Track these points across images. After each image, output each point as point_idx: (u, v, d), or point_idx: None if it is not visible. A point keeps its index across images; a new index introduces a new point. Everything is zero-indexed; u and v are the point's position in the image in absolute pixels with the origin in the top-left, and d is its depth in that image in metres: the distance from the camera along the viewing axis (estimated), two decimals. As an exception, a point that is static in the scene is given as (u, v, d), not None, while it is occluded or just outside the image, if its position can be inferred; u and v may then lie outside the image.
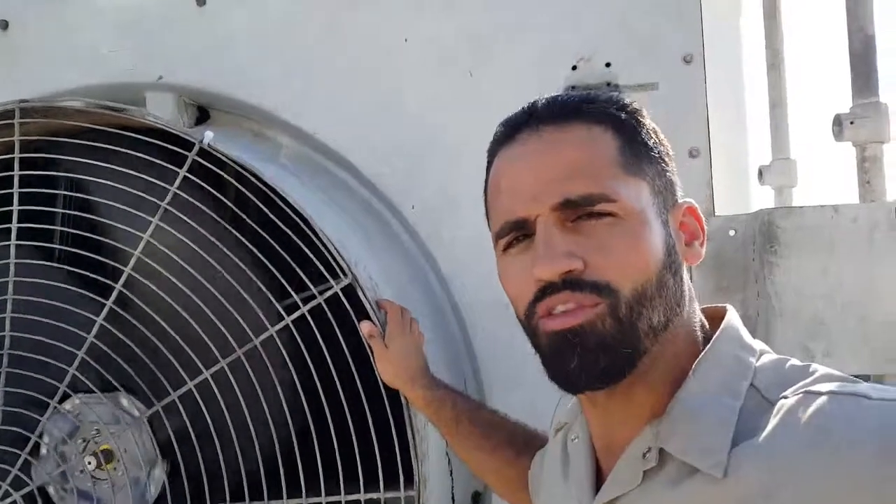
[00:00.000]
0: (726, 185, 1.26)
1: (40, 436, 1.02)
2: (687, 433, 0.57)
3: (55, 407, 1.01)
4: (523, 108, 0.65)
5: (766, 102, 1.26)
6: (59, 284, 1.02)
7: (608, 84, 1.13)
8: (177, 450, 0.98)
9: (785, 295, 0.95)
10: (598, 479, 0.64)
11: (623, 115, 0.63)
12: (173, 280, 1.00)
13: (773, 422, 0.55)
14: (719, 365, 0.60)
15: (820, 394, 0.55)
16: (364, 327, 0.95)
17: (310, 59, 1.17)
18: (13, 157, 1.03)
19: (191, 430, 0.98)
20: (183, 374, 0.98)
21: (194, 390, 0.98)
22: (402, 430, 0.95)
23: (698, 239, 0.65)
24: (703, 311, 0.65)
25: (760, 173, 1.17)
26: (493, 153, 0.66)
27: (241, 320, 0.98)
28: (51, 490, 1.04)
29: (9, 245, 1.02)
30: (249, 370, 0.97)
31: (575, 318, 0.58)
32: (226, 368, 0.98)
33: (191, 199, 0.99)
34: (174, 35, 1.16)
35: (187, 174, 1.00)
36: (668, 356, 0.61)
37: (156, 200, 1.00)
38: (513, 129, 0.64)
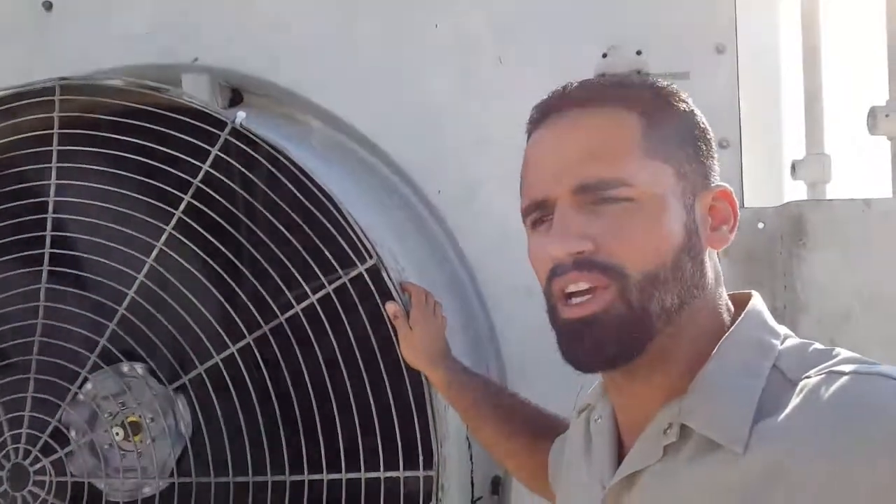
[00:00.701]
0: (760, 178, 1.25)
1: (78, 392, 1.04)
2: (709, 409, 0.58)
3: (84, 375, 1.04)
4: (554, 91, 0.66)
5: (801, 95, 1.23)
6: (94, 258, 1.05)
7: (638, 72, 1.12)
8: (202, 423, 1.01)
9: (812, 288, 0.94)
10: (621, 457, 0.65)
11: (654, 99, 0.64)
12: (204, 257, 1.02)
13: (794, 400, 0.56)
14: (742, 346, 0.61)
15: (843, 373, 0.55)
16: (389, 308, 0.96)
17: (341, 44, 1.18)
18: (53, 133, 1.06)
19: (216, 404, 1.00)
20: (211, 349, 1.00)
21: (220, 364, 1.00)
22: (422, 411, 0.97)
23: (728, 224, 0.65)
24: (730, 297, 0.65)
25: (794, 167, 1.15)
26: (528, 134, 0.68)
27: (268, 298, 1.00)
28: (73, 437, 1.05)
29: (45, 218, 1.05)
30: (275, 347, 0.99)
31: (586, 308, 0.60)
32: (251, 344, 1.00)
33: (222, 178, 1.02)
34: (210, 17, 1.18)
35: (219, 153, 1.02)
36: (689, 337, 0.62)
37: (189, 178, 1.02)
38: (543, 112, 0.66)
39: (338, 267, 0.99)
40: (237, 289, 1.01)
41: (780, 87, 1.52)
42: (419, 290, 0.99)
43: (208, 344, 1.00)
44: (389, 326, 0.96)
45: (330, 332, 0.99)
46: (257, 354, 0.99)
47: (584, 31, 1.11)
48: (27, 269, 1.06)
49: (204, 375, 1.01)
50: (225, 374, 1.00)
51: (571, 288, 0.60)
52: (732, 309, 0.65)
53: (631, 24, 1.10)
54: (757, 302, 0.65)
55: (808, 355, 0.60)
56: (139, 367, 1.05)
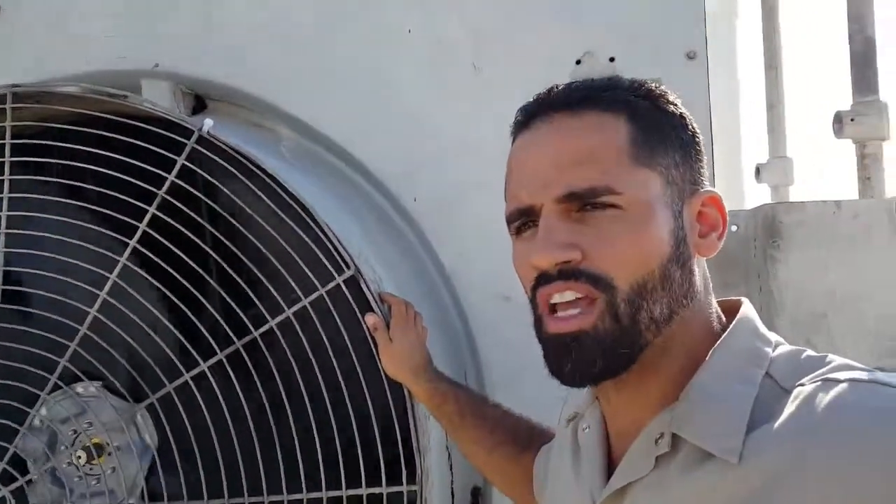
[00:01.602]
0: (721, 182, 1.27)
1: (35, 415, 0.99)
2: (701, 419, 0.57)
3: (44, 398, 0.98)
4: (539, 94, 0.65)
5: (762, 101, 1.27)
6: (54, 276, 0.99)
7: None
8: (173, 444, 0.96)
9: (787, 289, 0.96)
10: (611, 467, 0.64)
11: (641, 102, 0.62)
12: (170, 271, 0.98)
13: (789, 408, 0.55)
14: (734, 354, 0.60)
15: (838, 381, 0.54)
16: (369, 319, 0.94)
17: (310, 49, 1.15)
18: (4, 144, 1.00)
19: (187, 423, 0.96)
20: (180, 366, 0.96)
21: (190, 382, 0.96)
22: (404, 424, 0.95)
23: (717, 230, 0.64)
24: (720, 303, 0.65)
25: (758, 171, 1.18)
26: (512, 138, 0.66)
27: (241, 314, 0.97)
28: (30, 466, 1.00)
29: None
30: (249, 363, 0.96)
31: (573, 323, 0.58)
32: (224, 361, 0.96)
33: (189, 188, 0.98)
34: (171, 21, 1.14)
35: (185, 162, 0.98)
36: (680, 346, 0.61)
37: (154, 189, 0.98)
38: (528, 116, 0.64)
39: (314, 279, 0.96)
40: (206, 304, 0.97)
41: (739, 93, 1.56)
42: (399, 301, 0.97)
43: (177, 361, 0.96)
44: (369, 338, 0.94)
45: (307, 346, 0.96)
46: (230, 371, 0.95)
47: (559, 37, 1.11)
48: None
49: (173, 394, 0.97)
50: (196, 391, 0.96)
51: (556, 298, 0.59)
52: (723, 317, 0.64)
53: (604, 31, 1.11)
54: (748, 309, 0.64)
55: (801, 363, 0.59)
56: (97, 386, 1.00)
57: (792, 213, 0.97)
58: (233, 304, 0.97)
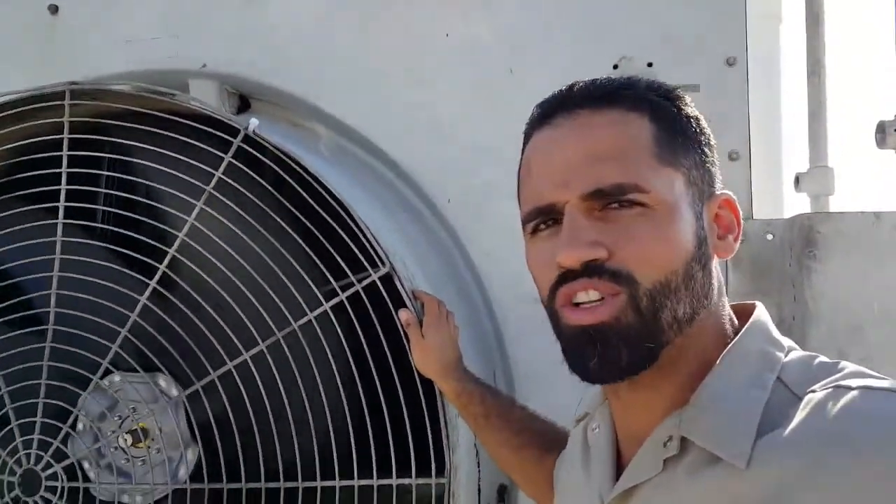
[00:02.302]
0: (761, 189, 1.26)
1: (88, 396, 1.03)
2: (710, 422, 0.56)
3: (96, 382, 1.03)
4: (560, 90, 0.64)
5: (804, 109, 1.25)
6: (104, 263, 1.04)
7: (648, 85, 1.14)
8: (215, 429, 1.00)
9: (822, 299, 0.95)
10: (620, 468, 0.64)
11: (662, 102, 0.62)
12: (216, 263, 1.02)
13: (800, 415, 0.54)
14: (746, 358, 0.59)
15: (850, 388, 0.53)
16: (402, 315, 0.96)
17: (349, 51, 1.18)
18: (62, 138, 1.05)
19: (229, 411, 1.00)
20: (224, 355, 1.00)
21: (234, 371, 1.00)
22: (435, 419, 0.97)
23: (733, 233, 0.64)
24: (733, 307, 0.65)
25: (797, 180, 1.17)
26: (527, 135, 0.65)
27: (280, 305, 1.00)
28: (86, 465, 1.06)
29: (56, 223, 1.04)
30: (288, 354, 0.99)
31: (596, 314, 0.57)
32: (265, 351, 1.00)
33: (235, 185, 1.01)
34: (218, 23, 1.18)
35: (232, 160, 1.02)
36: (695, 348, 0.60)
37: (201, 185, 1.01)
38: (548, 112, 0.63)
39: (350, 274, 0.99)
40: (250, 296, 1.01)
41: (781, 101, 1.54)
42: (432, 299, 0.99)
43: (221, 352, 1.00)
44: (402, 334, 0.97)
45: (343, 339, 0.99)
46: (270, 361, 0.99)
47: (595, 42, 1.12)
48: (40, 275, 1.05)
49: (217, 382, 1.01)
50: (238, 380, 1.00)
51: (581, 297, 0.58)
52: (736, 320, 0.64)
53: (642, 36, 1.11)
54: (761, 313, 0.64)
55: (813, 368, 0.58)
56: (150, 375, 1.05)
57: (829, 223, 0.96)
58: (274, 297, 1.00)
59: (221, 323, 1.00)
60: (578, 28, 1.13)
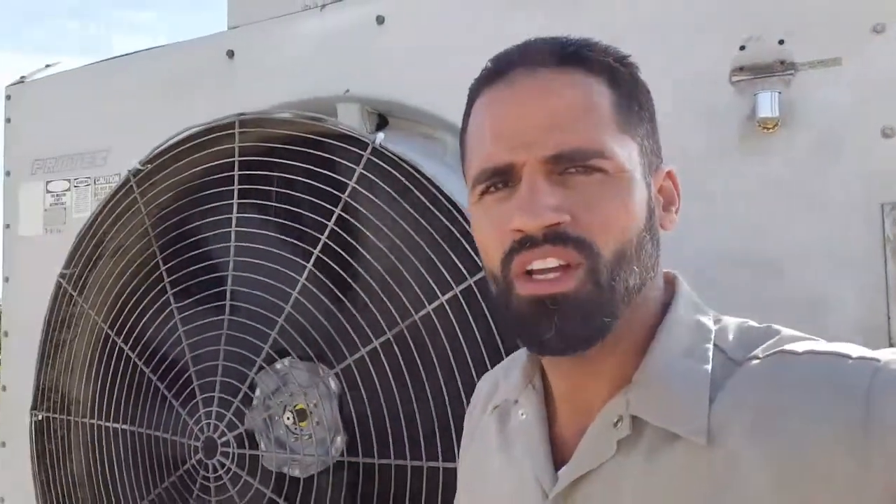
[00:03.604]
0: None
1: (251, 388, 1.23)
2: (662, 399, 0.55)
3: (262, 366, 1.22)
4: (517, 46, 0.61)
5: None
6: (269, 264, 1.23)
7: (781, 63, 1.08)
8: (352, 410, 1.14)
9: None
10: (555, 453, 0.61)
11: (620, 68, 0.59)
12: (353, 263, 1.16)
13: (750, 382, 0.53)
14: (682, 329, 0.58)
15: (797, 353, 0.53)
16: None
17: (474, 66, 1.26)
18: (233, 161, 1.27)
19: (363, 392, 1.13)
20: (357, 341, 1.14)
21: (366, 357, 1.13)
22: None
23: (674, 205, 0.63)
24: None
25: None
26: (476, 91, 0.62)
27: (404, 299, 1.11)
28: (257, 436, 1.25)
29: (229, 231, 1.26)
30: (410, 342, 1.10)
31: (555, 286, 0.54)
32: (391, 339, 1.11)
33: (366, 192, 1.15)
34: (358, 52, 1.33)
35: (363, 171, 1.16)
36: (638, 321, 0.58)
37: (338, 194, 1.17)
38: (504, 68, 0.59)
39: (466, 273, 1.07)
40: (380, 291, 1.13)
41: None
42: None
43: (356, 338, 1.13)
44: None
45: (458, 330, 1.07)
46: (395, 347, 1.10)
47: (719, 23, 1.07)
48: (216, 274, 1.27)
49: (353, 366, 1.14)
50: (370, 365, 1.13)
51: (538, 265, 0.54)
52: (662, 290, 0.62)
53: (772, 13, 1.05)
54: (683, 281, 0.62)
55: (748, 333, 0.58)
56: (310, 364, 1.21)
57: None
58: (398, 290, 1.12)
59: (356, 315, 1.13)
60: (701, 10, 1.09)
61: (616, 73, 0.59)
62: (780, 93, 1.04)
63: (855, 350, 0.52)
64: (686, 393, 0.55)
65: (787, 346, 0.54)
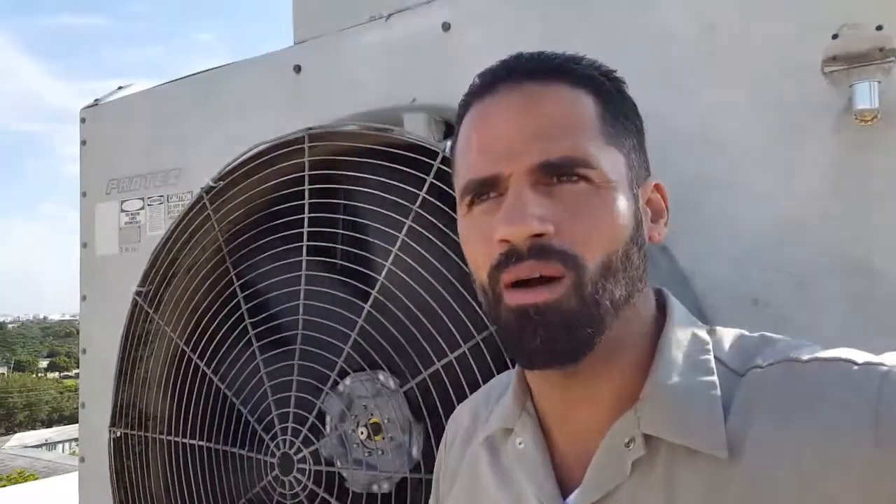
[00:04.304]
0: None
1: (322, 408, 1.22)
2: (676, 415, 0.55)
3: (336, 380, 1.21)
4: (503, 61, 0.62)
5: None
6: (334, 276, 1.22)
7: (880, 50, 1.01)
8: (426, 417, 1.11)
9: None
10: (559, 480, 0.60)
11: (606, 82, 0.61)
12: (426, 275, 1.14)
13: (761, 393, 0.53)
14: (682, 343, 0.58)
15: (802, 361, 0.54)
16: None
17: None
18: (303, 175, 1.26)
19: (437, 402, 1.10)
20: (432, 355, 1.11)
21: (441, 371, 1.10)
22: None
23: (663, 218, 0.63)
24: None
25: None
26: (466, 105, 0.63)
27: (479, 311, 1.08)
28: (338, 463, 1.22)
29: (301, 246, 1.25)
30: (471, 360, 1.07)
31: (538, 295, 0.54)
32: (466, 352, 1.08)
33: (437, 202, 1.13)
34: (424, 60, 1.31)
35: (433, 181, 1.13)
36: (633, 335, 0.59)
37: (408, 204, 1.15)
38: (490, 81, 0.61)
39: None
40: (452, 303, 1.10)
41: None
42: None
43: (430, 351, 1.11)
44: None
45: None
46: (471, 360, 1.07)
47: (809, 10, 1.01)
48: (288, 289, 1.26)
49: (428, 380, 1.12)
50: (444, 377, 1.10)
51: (525, 276, 0.55)
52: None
53: (868, -2, 0.98)
54: (670, 294, 0.63)
55: (743, 343, 0.59)
56: (373, 372, 1.20)
57: None
58: (474, 304, 1.09)
59: (430, 328, 1.10)
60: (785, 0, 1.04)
61: (602, 86, 0.60)
62: (879, 82, 0.97)
63: (859, 355, 0.53)
64: (700, 407, 0.55)
65: (791, 354, 0.55)
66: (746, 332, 0.60)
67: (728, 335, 0.60)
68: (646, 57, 1.13)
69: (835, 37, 1.02)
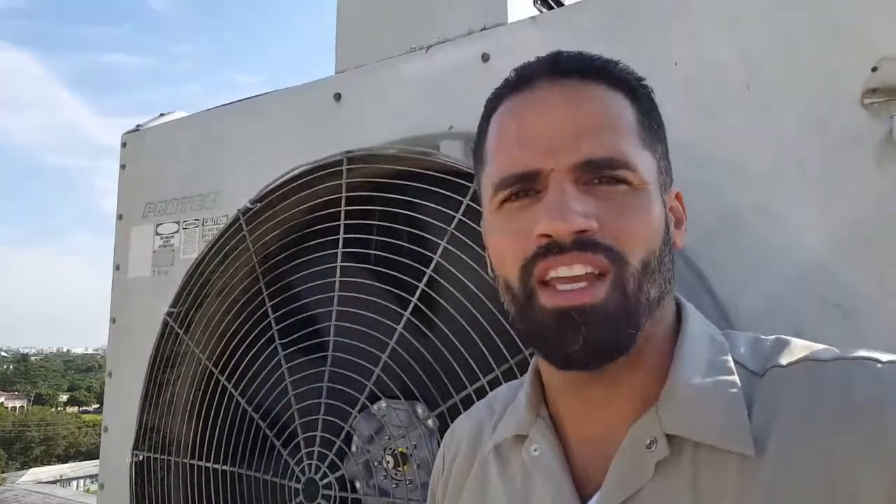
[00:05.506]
0: None
1: (349, 432, 1.20)
2: (700, 414, 0.54)
3: (365, 403, 1.19)
4: (541, 58, 0.62)
5: None
6: (370, 298, 1.21)
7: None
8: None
9: None
10: (577, 485, 0.59)
11: (640, 89, 0.62)
12: (460, 297, 1.13)
13: (784, 391, 0.53)
14: (700, 344, 0.58)
15: (823, 360, 0.54)
16: None
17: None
18: (339, 197, 1.27)
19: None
20: (464, 379, 1.09)
21: (473, 395, 1.08)
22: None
23: (683, 225, 0.65)
24: None
25: None
26: (497, 100, 0.63)
27: (513, 332, 1.06)
28: (357, 484, 1.21)
29: (335, 266, 1.25)
30: (518, 374, 1.04)
31: (582, 296, 0.53)
32: (499, 376, 1.06)
33: (472, 224, 1.12)
34: (463, 89, 1.33)
35: (470, 202, 1.13)
36: (656, 338, 0.59)
37: (444, 226, 1.14)
38: (530, 77, 0.60)
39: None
40: (487, 326, 1.09)
41: None
42: None
43: (461, 374, 1.09)
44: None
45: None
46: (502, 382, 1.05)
47: (848, 43, 1.01)
48: (319, 310, 1.26)
49: (459, 405, 1.09)
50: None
51: (564, 272, 0.54)
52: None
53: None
54: (685, 300, 0.63)
55: (758, 344, 0.59)
56: (409, 403, 1.17)
57: None
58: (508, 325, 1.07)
59: (464, 353, 1.09)
60: (826, 30, 1.04)
61: (637, 91, 0.60)
62: (920, 113, 0.97)
63: (881, 354, 0.53)
64: (723, 406, 0.54)
65: (812, 355, 0.55)
66: (762, 336, 0.60)
67: (744, 338, 0.60)
68: (686, 88, 1.13)
69: (874, 69, 1.02)
